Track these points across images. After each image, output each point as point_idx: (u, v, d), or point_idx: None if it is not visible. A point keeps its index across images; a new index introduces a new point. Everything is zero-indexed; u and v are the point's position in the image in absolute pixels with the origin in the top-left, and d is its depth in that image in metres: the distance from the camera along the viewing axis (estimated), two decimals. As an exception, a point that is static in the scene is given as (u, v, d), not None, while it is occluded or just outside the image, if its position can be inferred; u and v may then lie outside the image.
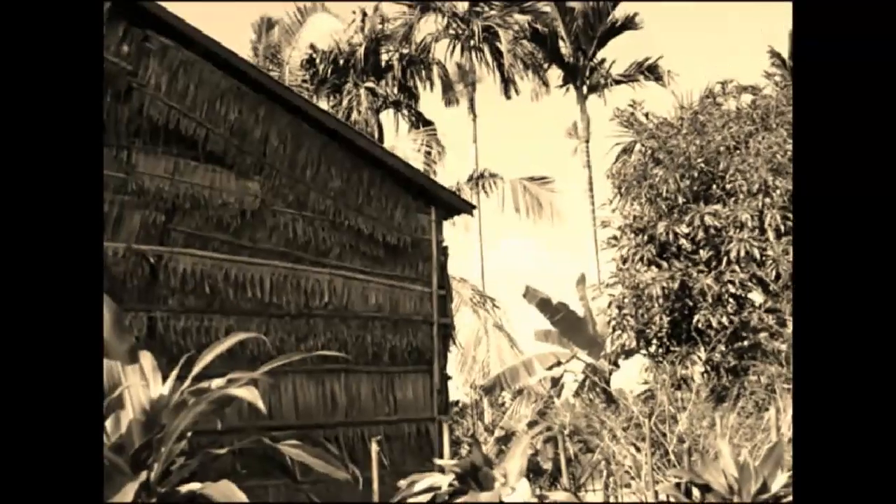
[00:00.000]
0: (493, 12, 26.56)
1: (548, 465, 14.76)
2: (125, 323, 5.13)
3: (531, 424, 17.44)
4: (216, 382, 4.67)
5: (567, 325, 19.74)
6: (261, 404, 4.28)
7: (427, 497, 6.20)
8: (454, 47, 26.72)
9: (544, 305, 19.66)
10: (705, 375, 15.67)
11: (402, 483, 6.41)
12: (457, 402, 18.15)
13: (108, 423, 4.41)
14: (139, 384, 4.49)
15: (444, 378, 10.22)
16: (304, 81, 23.19)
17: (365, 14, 24.19)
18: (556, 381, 20.07)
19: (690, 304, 15.97)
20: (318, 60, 23.58)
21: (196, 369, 4.70)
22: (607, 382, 18.64)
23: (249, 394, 4.34)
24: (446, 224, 10.73)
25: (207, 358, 4.81)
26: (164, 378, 4.89)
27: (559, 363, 19.63)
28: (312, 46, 23.79)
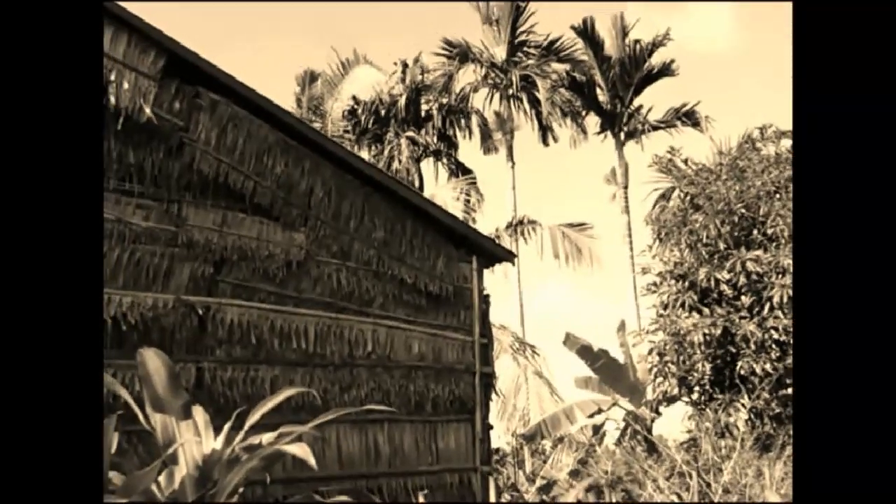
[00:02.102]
0: (530, 62, 26.87)
1: (590, 515, 14.60)
2: (179, 379, 5.22)
3: (573, 473, 17.30)
4: (266, 438, 4.74)
5: (608, 371, 19.66)
6: (312, 461, 4.34)
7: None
8: (493, 96, 27.04)
9: (584, 352, 19.61)
10: (749, 423, 15.45)
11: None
12: (497, 451, 18.03)
13: (162, 478, 4.49)
14: (193, 440, 4.56)
15: (487, 427, 10.20)
16: (346, 132, 23.55)
17: (406, 65, 24.54)
18: (597, 429, 19.92)
19: (733, 350, 15.80)
20: (359, 111, 23.93)
21: (248, 424, 4.78)
22: (649, 430, 18.47)
23: (301, 450, 4.40)
24: (485, 271, 10.78)
25: (259, 413, 4.88)
26: (215, 430, 4.98)
27: (600, 411, 19.50)
28: (354, 98, 24.18)
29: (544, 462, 19.61)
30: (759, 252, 15.95)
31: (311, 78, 25.64)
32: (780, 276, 15.49)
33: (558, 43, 27.05)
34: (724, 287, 16.22)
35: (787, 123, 20.70)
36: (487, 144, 27.30)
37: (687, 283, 16.58)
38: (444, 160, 25.23)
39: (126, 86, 7.81)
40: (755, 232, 16.66)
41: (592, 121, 28.41)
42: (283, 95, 26.21)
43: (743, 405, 15.81)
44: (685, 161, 18.83)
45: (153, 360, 4.88)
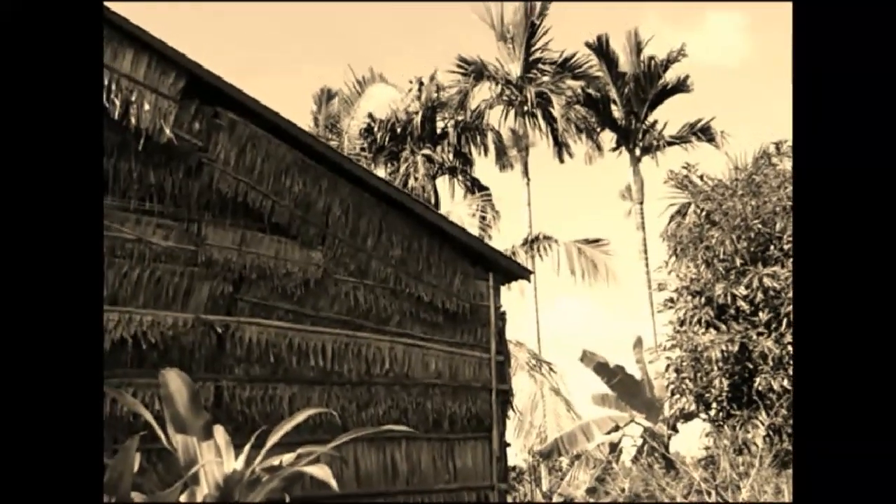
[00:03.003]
0: (545, 78, 26.96)
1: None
2: (200, 399, 5.26)
3: (590, 491, 17.23)
4: (286, 458, 4.77)
5: (624, 388, 19.57)
6: (333, 483, 4.36)
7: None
8: (508, 113, 27.14)
9: (601, 369, 19.53)
10: (768, 440, 15.34)
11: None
12: (514, 468, 17.98)
13: (184, 498, 4.53)
14: (214, 460, 4.60)
15: (503, 445, 10.18)
16: (363, 150, 23.68)
17: (421, 83, 24.68)
18: (614, 446, 19.81)
19: (750, 367, 15.69)
20: (376, 129, 24.07)
21: (269, 444, 4.81)
22: (666, 447, 18.37)
23: (321, 472, 4.43)
24: (501, 288, 10.79)
25: (279, 433, 4.92)
26: (234, 448, 5.02)
27: (617, 427, 19.41)
28: (371, 115, 24.33)
29: (561, 479, 19.55)
30: (776, 268, 15.85)
31: (327, 96, 25.82)
32: (797, 292, 15.38)
33: (573, 60, 27.13)
34: (741, 303, 16.12)
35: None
36: (503, 161, 27.35)
37: (703, 300, 16.50)
38: (460, 177, 25.30)
39: (147, 107, 7.90)
40: (772, 248, 16.57)
41: (607, 137, 28.45)
42: (301, 114, 26.43)
43: (761, 422, 15.69)
44: (701, 177, 18.78)
45: (175, 381, 4.93)
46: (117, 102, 7.77)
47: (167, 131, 7.98)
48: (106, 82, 7.73)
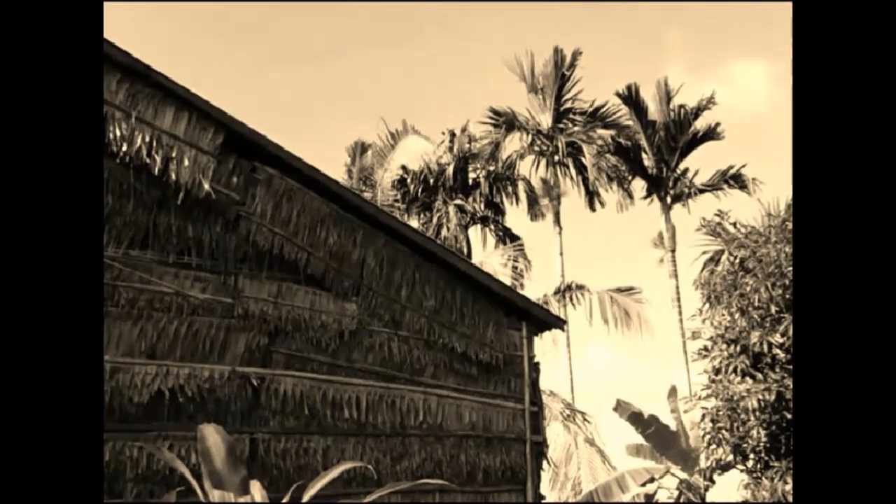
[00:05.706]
0: (576, 128, 27.12)
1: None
2: (237, 454, 5.30)
3: (626, 544, 16.94)
4: (323, 512, 4.78)
5: (659, 439, 19.34)
6: (370, 537, 4.37)
7: None
8: (539, 163, 27.27)
9: (635, 419, 19.34)
10: (808, 493, 15.02)
11: None
12: (549, 520, 17.72)
13: (221, 552, 4.55)
14: (252, 514, 4.62)
15: (538, 498, 10.08)
16: (396, 201, 23.92)
17: (453, 134, 24.97)
18: (649, 498, 19.49)
19: (789, 416, 15.46)
20: (408, 180, 24.35)
21: (305, 498, 4.83)
22: (703, 499, 18.06)
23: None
24: (535, 337, 10.75)
25: (315, 489, 4.93)
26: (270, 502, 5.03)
27: (652, 479, 19.11)
28: (403, 167, 24.64)
29: (597, 532, 19.20)
30: (813, 316, 15.66)
31: (361, 149, 26.20)
32: (834, 340, 15.17)
33: (603, 109, 27.28)
34: (777, 351, 15.91)
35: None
36: (534, 210, 27.43)
37: (739, 348, 16.31)
38: (492, 227, 25.42)
39: (186, 162, 8.06)
40: (808, 295, 16.38)
41: (639, 185, 28.45)
42: (335, 167, 26.78)
43: (800, 474, 15.39)
44: (734, 224, 18.68)
45: (213, 436, 4.98)
46: (158, 158, 7.94)
47: (206, 186, 8.14)
48: (147, 139, 7.92)
